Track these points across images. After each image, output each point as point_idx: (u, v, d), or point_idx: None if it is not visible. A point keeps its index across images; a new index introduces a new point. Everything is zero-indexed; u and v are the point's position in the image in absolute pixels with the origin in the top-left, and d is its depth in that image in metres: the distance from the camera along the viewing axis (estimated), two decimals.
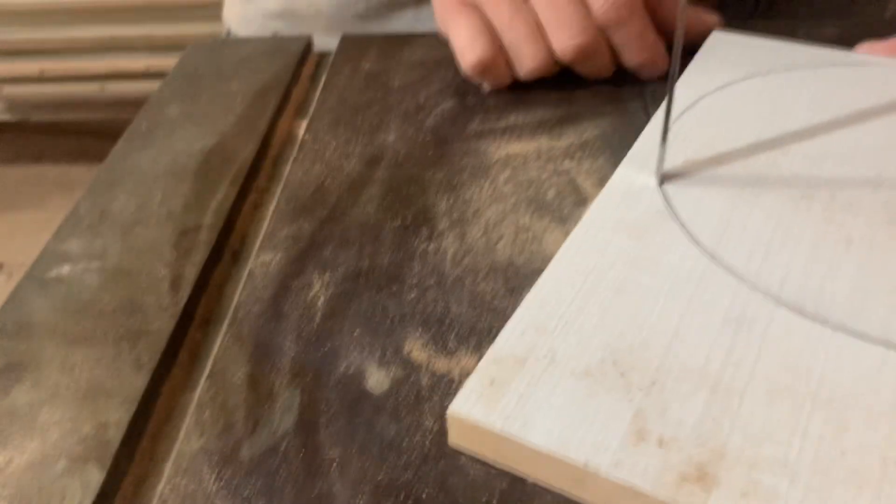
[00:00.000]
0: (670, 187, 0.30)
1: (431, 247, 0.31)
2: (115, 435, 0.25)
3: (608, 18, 0.37)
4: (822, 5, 0.50)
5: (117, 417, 0.25)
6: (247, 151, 0.38)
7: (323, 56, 0.49)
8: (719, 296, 0.25)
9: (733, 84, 0.37)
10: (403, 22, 0.54)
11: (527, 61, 0.39)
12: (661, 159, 0.31)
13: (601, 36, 0.38)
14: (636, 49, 0.39)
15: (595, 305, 0.25)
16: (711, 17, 0.41)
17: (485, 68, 0.39)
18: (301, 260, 0.31)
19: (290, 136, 0.42)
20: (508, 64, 0.39)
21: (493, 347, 0.24)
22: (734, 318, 0.25)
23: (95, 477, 0.23)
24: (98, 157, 0.43)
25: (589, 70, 0.40)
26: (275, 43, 0.49)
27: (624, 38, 0.38)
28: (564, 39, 0.37)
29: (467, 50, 0.39)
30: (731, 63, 0.38)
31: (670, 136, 0.32)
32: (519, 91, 0.40)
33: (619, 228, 0.28)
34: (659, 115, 0.35)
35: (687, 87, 0.37)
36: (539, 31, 0.38)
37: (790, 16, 0.54)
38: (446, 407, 0.23)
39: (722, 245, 0.27)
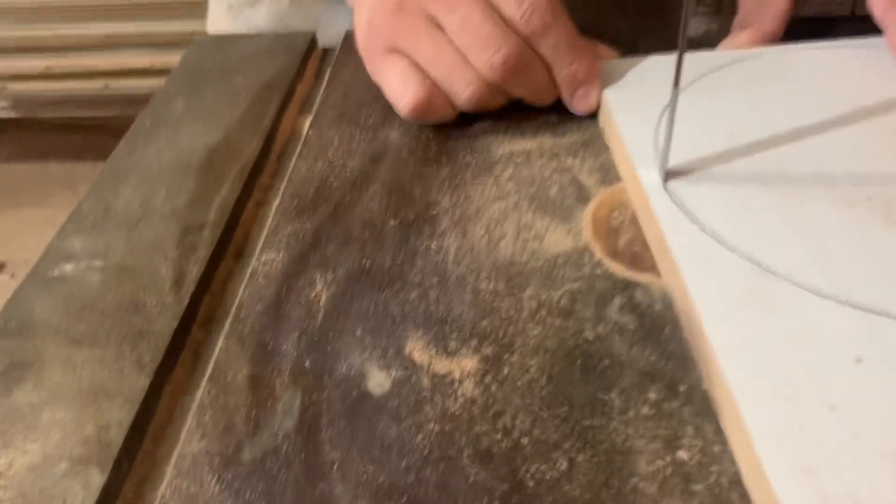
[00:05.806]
0: (697, 204, 0.30)
1: (434, 245, 0.31)
2: (117, 436, 0.25)
3: (532, 27, 0.35)
4: None
5: (119, 419, 0.25)
6: (251, 148, 0.38)
7: (327, 52, 0.49)
8: None
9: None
10: None
11: (460, 90, 0.37)
12: (665, 159, 0.31)
13: (527, 47, 0.36)
14: (568, 55, 0.36)
15: (820, 416, 0.22)
16: (609, 51, 0.40)
17: (422, 110, 0.37)
18: (303, 258, 0.31)
19: (294, 132, 0.42)
20: (447, 100, 0.37)
21: None
22: None
23: (97, 479, 0.23)
24: (103, 153, 0.43)
25: (527, 89, 0.37)
26: (279, 39, 0.49)
27: (553, 46, 0.36)
28: (488, 57, 0.35)
29: (400, 96, 0.37)
30: (648, 84, 0.37)
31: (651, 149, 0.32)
32: None
33: (739, 306, 0.26)
34: (633, 130, 0.34)
35: (628, 110, 0.36)
36: (466, 58, 0.36)
37: None
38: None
39: (846, 288, 0.26)
